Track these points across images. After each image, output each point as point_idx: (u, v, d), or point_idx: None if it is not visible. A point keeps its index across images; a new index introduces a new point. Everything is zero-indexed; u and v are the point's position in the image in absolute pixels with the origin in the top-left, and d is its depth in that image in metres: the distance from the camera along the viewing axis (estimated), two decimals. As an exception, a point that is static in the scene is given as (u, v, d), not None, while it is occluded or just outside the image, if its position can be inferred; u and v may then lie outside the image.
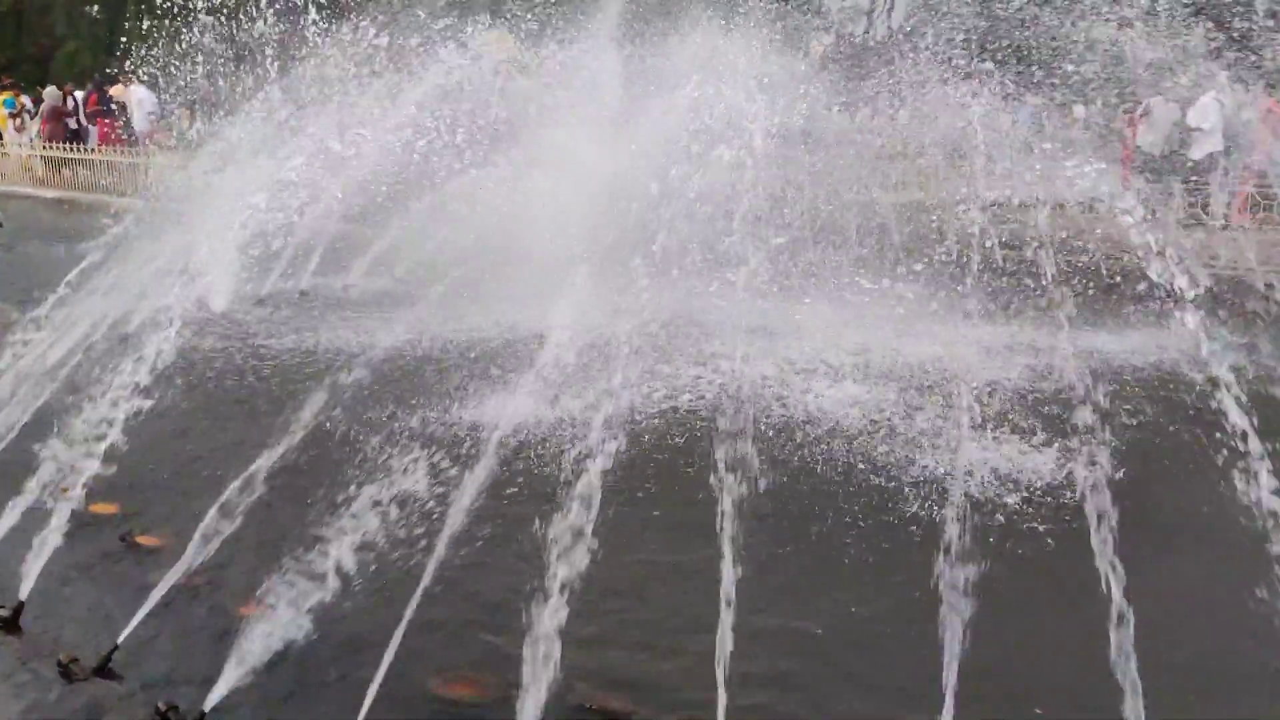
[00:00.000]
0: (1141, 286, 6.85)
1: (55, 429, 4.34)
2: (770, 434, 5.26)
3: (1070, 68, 12.25)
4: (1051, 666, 3.31)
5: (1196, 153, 11.66)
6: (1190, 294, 4.81)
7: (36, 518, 3.77)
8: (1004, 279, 7.44)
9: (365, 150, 9.16)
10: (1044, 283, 6.44)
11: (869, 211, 9.82)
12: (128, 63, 18.64)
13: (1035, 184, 7.35)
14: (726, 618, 2.84)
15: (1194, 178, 11.41)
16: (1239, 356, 6.19)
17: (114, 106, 20.00)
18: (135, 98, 18.93)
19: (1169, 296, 5.08)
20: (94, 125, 20.37)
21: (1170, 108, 11.93)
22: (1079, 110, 14.24)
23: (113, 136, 19.39)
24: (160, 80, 16.68)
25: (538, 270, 7.97)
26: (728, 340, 6.36)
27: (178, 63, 14.38)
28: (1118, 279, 7.49)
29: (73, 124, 19.97)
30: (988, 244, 8.04)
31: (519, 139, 9.83)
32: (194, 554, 3.45)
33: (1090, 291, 7.68)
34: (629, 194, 7.53)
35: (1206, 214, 10.63)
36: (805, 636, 3.46)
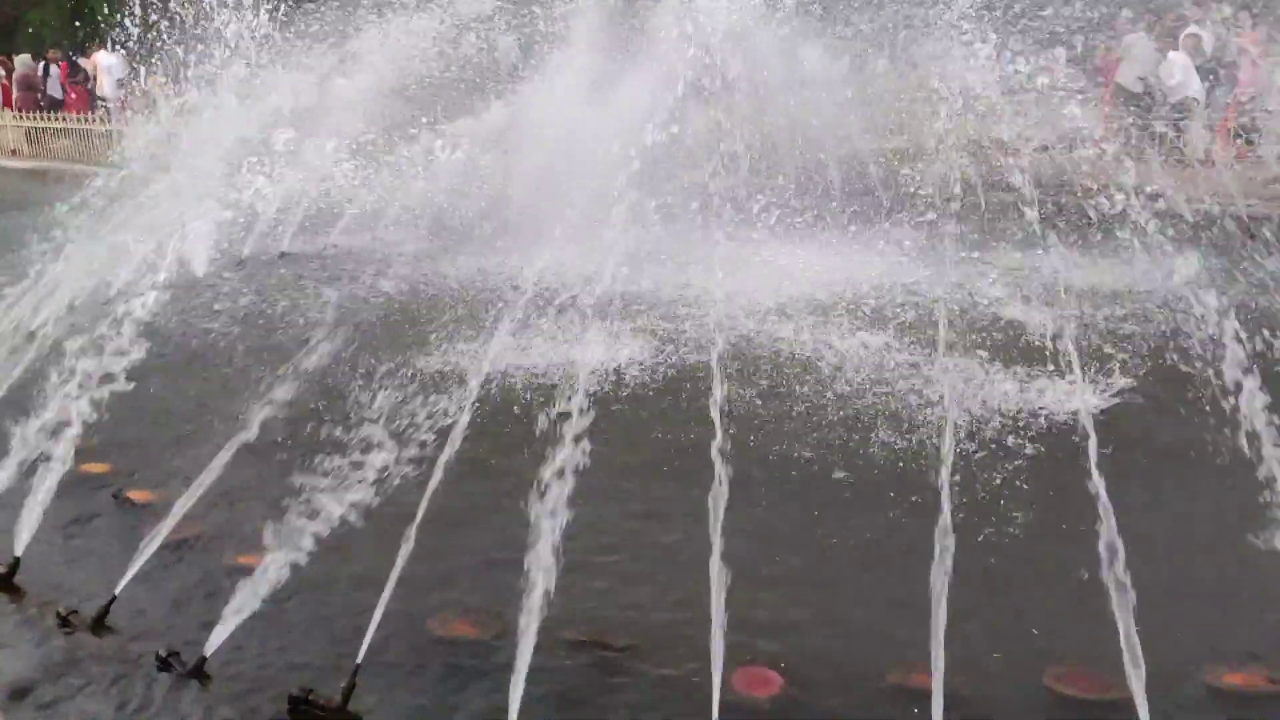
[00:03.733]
0: (1121, 219, 6.92)
1: (42, 392, 4.33)
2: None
3: (1050, 10, 12.17)
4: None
5: (1173, 98, 11.70)
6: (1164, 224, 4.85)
7: (28, 477, 3.77)
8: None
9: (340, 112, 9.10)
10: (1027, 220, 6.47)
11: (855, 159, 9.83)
12: (94, 30, 18.32)
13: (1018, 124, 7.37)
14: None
15: (1174, 116, 11.41)
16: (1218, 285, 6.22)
17: (83, 75, 19.69)
18: (103, 64, 18.62)
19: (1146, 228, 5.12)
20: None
21: (1149, 44, 11.90)
22: (1059, 52, 14.17)
23: (79, 105, 19.10)
24: (128, 46, 16.40)
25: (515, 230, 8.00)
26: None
27: (146, 26, 14.14)
28: (1096, 213, 7.52)
29: (57, 94, 19.64)
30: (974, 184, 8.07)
31: (498, 97, 9.77)
32: (187, 507, 3.46)
33: (1070, 226, 7.70)
34: (606, 154, 7.51)
35: (1186, 150, 10.64)
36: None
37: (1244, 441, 3.15)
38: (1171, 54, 11.78)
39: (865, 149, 10.10)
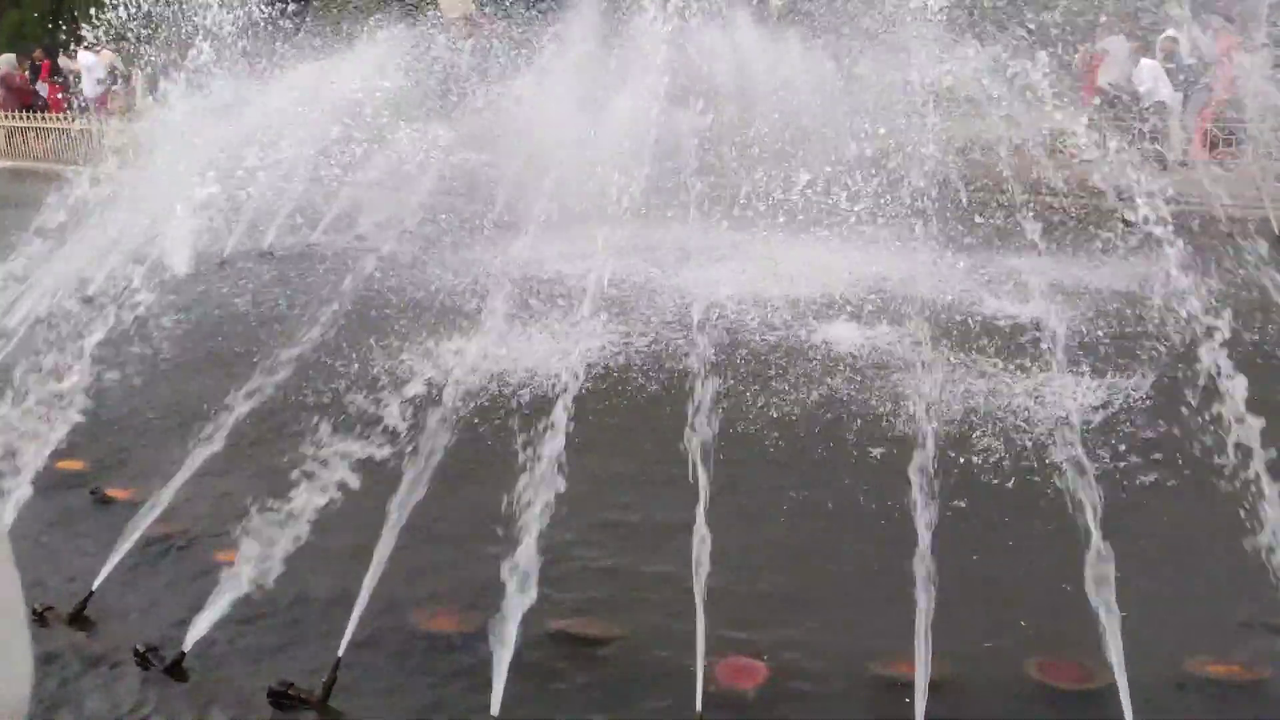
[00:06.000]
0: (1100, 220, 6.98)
1: (19, 390, 4.29)
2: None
3: (1030, 14, 12.26)
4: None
5: (1143, 104, 11.83)
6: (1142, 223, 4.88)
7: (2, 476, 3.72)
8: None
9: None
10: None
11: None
12: (77, 29, 18.18)
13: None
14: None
15: (1152, 118, 11.50)
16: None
17: (66, 75, 19.55)
18: (84, 64, 18.46)
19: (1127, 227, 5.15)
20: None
21: (1126, 47, 11.99)
22: (1041, 56, 14.27)
23: (55, 103, 18.95)
24: (110, 45, 16.30)
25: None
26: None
27: (129, 26, 14.05)
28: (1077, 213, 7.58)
29: (44, 93, 19.49)
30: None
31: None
32: (164, 505, 3.42)
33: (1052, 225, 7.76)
34: (593, 155, 7.53)
35: (1165, 152, 10.72)
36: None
37: (1228, 439, 3.17)
38: (1144, 60, 11.88)
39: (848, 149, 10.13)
